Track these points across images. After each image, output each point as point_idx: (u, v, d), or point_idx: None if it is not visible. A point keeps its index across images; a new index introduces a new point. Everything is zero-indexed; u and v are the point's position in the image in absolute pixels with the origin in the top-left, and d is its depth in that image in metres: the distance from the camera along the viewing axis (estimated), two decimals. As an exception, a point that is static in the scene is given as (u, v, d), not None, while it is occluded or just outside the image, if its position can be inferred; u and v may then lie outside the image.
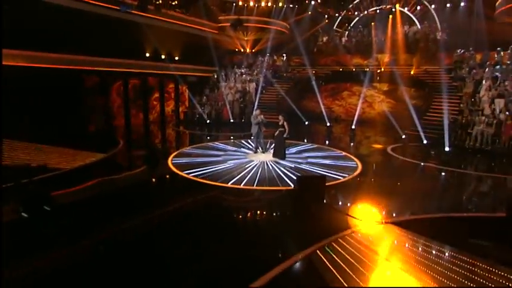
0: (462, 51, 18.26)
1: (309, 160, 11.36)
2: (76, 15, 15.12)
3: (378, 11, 24.99)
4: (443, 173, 10.80)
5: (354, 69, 21.96)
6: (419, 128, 15.55)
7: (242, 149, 13.14)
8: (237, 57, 24.76)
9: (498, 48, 16.90)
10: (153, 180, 9.68)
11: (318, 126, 19.57)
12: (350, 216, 6.90)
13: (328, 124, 17.52)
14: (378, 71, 21.20)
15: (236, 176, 9.20)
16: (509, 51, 16.53)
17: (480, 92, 15.24)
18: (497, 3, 18.43)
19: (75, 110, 16.30)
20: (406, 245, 5.80)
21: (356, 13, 25.97)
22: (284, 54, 23.36)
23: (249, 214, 7.35)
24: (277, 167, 10.48)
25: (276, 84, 22.07)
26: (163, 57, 20.74)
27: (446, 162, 11.71)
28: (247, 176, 9.32)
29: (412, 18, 23.62)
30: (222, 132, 17.73)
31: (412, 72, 19.99)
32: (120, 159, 12.22)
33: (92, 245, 5.56)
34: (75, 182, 8.29)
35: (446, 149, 11.97)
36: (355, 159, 11.64)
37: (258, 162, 11.05)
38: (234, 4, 23.25)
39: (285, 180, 9.07)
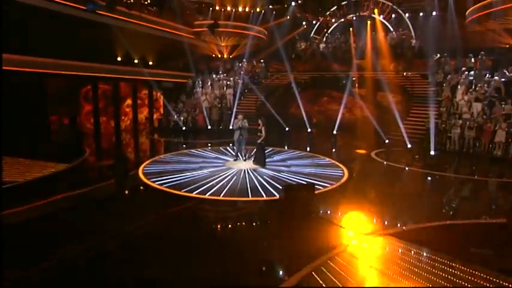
0: (437, 56, 18.40)
1: (293, 169, 10.66)
2: (40, 14, 13.83)
3: (354, 17, 25.05)
4: (433, 178, 10.42)
5: (333, 75, 21.71)
6: (403, 133, 15.32)
7: (221, 157, 12.27)
8: (215, 62, 23.97)
9: (470, 55, 17.10)
10: (121, 192, 8.59)
11: (299, 132, 19.03)
12: (344, 228, 6.18)
13: (309, 130, 16.98)
14: (355, 78, 21.02)
15: (212, 185, 8.33)
16: (479, 57, 16.74)
17: (456, 97, 15.24)
18: (467, 12, 18.84)
19: (36, 116, 14.81)
20: (410, 260, 5.13)
21: (333, 20, 25.94)
22: (262, 60, 22.80)
23: (226, 229, 6.46)
24: (257, 175, 9.68)
25: (255, 90, 21.41)
26: (136, 61, 19.59)
27: (434, 166, 11.39)
28: (224, 185, 8.47)
29: (387, 26, 23.85)
30: (199, 140, 16.76)
31: (391, 78, 19.95)
32: (84, 169, 10.99)
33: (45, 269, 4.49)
34: (28, 196, 7.10)
35: (432, 152, 11.70)
36: (340, 165, 11.07)
37: (237, 170, 10.22)
38: (211, 8, 22.53)
39: (267, 189, 8.28)
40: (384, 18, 24.41)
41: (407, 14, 23.70)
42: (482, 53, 16.74)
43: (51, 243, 5.41)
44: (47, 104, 15.81)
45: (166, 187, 8.32)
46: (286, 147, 14.45)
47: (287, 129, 17.38)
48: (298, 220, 6.46)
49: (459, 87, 15.52)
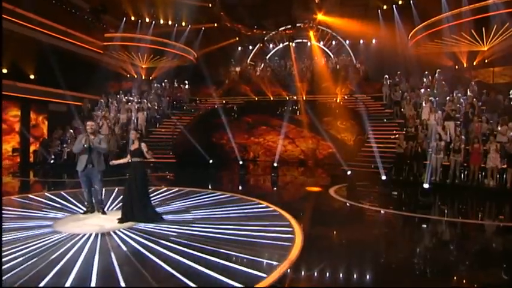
0: (387, 77, 15.34)
1: (201, 227, 5.29)
2: None
3: (294, 43, 22.06)
4: (434, 228, 5.83)
5: (272, 101, 17.56)
6: (363, 161, 11.02)
7: (70, 206, 6.43)
8: (128, 83, 18.47)
9: (425, 73, 14.22)
10: None
11: (228, 166, 13.97)
12: None
13: (240, 162, 11.93)
14: (295, 107, 17.10)
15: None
16: (436, 76, 13.90)
17: (422, 116, 11.69)
18: (409, 35, 16.77)
19: None
20: None
21: (271, 46, 22.63)
22: (186, 82, 17.92)
23: None
24: (121, 247, 4.16)
25: (173, 117, 16.21)
26: (4, 71, 13.32)
27: (423, 208, 6.91)
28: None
29: (327, 52, 21.19)
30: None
31: (337, 101, 16.30)
32: None
33: None
34: None
35: (426, 185, 7.24)
36: (286, 214, 5.97)
37: (83, 235, 4.63)
38: (124, 19, 17.55)
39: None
40: (324, 45, 21.84)
41: (347, 41, 21.39)
42: (439, 70, 13.91)
43: None
44: None
45: None
46: (204, 187, 9.04)
47: (211, 161, 12.11)
48: None
49: (423, 105, 12.07)
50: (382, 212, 6.86)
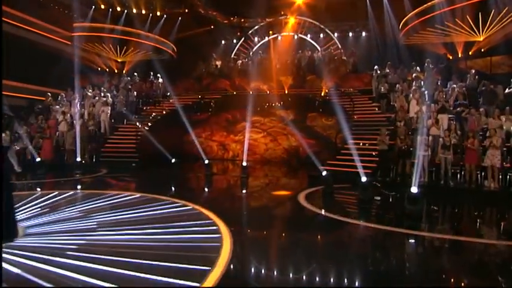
0: (376, 68, 13.91)
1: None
2: None
3: (279, 37, 20.71)
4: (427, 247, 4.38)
5: (252, 95, 16.07)
6: (345, 161, 9.57)
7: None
8: (98, 76, 16.92)
9: (413, 63, 12.80)
10: None
11: (194, 166, 12.56)
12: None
13: (206, 162, 10.37)
14: (278, 102, 15.66)
15: None
16: (425, 66, 12.50)
17: (410, 110, 10.27)
18: (400, 25, 15.41)
19: None
20: None
21: (256, 39, 21.18)
22: (159, 76, 16.40)
23: None
24: None
25: (143, 113, 14.73)
26: None
27: (409, 218, 5.43)
28: None
29: (315, 45, 19.84)
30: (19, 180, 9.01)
31: (322, 95, 14.84)
32: None
33: None
34: None
35: (414, 189, 5.63)
36: (221, 226, 4.50)
37: None
38: (93, 7, 16.03)
39: None
40: (311, 38, 20.46)
41: (336, 34, 20.01)
42: (429, 60, 12.50)
43: None
44: None
45: None
46: (133, 190, 7.54)
47: (173, 160, 10.56)
48: None
49: (411, 96, 10.64)
50: (349, 222, 5.36)
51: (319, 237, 4.87)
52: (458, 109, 9.42)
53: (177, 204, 5.77)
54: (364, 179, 6.51)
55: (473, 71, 11.06)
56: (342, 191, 7.70)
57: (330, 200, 6.97)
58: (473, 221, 6.35)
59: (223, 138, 16.22)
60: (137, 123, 13.24)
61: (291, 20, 19.01)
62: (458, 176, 8.13)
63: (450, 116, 9.98)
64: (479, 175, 7.89)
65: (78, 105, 13.67)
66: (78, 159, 10.45)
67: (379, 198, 6.63)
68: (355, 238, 4.85)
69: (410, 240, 4.75)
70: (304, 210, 6.03)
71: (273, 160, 15.26)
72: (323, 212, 5.96)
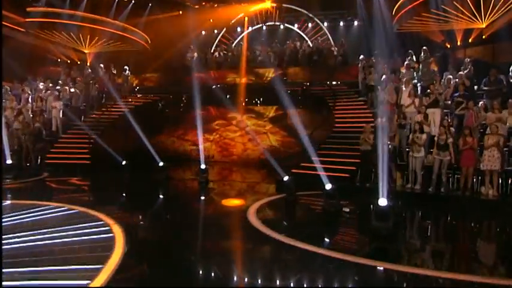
0: (362, 57, 12.88)
1: None
2: None
3: (264, 27, 19.69)
4: None
5: (229, 88, 15.04)
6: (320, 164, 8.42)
7: None
8: (55, 68, 15.80)
9: (410, 51, 11.72)
10: None
11: (148, 169, 11.39)
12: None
13: (160, 164, 9.19)
14: (258, 97, 14.63)
15: None
16: (422, 54, 11.43)
17: (401, 102, 9.21)
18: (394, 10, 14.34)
19: None
20: None
21: (239, 29, 20.13)
22: (127, 67, 15.28)
23: None
24: None
25: (105, 109, 13.62)
26: None
27: (380, 241, 4.29)
28: None
29: (302, 36, 18.79)
30: None
31: (304, 88, 13.77)
32: None
33: None
34: None
35: (382, 201, 4.41)
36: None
37: None
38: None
39: None
40: (298, 28, 19.40)
41: (325, 23, 18.96)
42: (425, 48, 11.45)
43: None
44: None
45: None
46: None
47: (124, 162, 9.44)
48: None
49: (403, 88, 9.58)
50: (286, 244, 4.14)
51: (236, 247, 3.77)
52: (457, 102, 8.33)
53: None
54: (328, 186, 5.40)
55: (468, 60, 10.00)
56: (310, 200, 6.59)
57: (286, 212, 5.86)
58: (465, 245, 5.19)
59: (197, 138, 15.14)
60: (100, 116, 12.17)
61: (271, 7, 18.01)
62: (451, 181, 7.04)
63: (446, 110, 8.96)
64: (475, 180, 6.81)
65: (30, 99, 12.60)
66: (9, 161, 9.32)
67: (347, 210, 5.52)
68: (281, 265, 3.70)
69: (364, 276, 3.56)
70: (244, 224, 4.89)
71: (251, 161, 14.20)
72: (263, 227, 4.78)
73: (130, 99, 14.57)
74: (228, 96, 14.87)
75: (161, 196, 7.67)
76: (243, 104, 14.79)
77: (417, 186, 7.08)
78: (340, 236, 5.07)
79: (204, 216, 5.83)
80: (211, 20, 18.22)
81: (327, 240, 4.75)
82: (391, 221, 4.22)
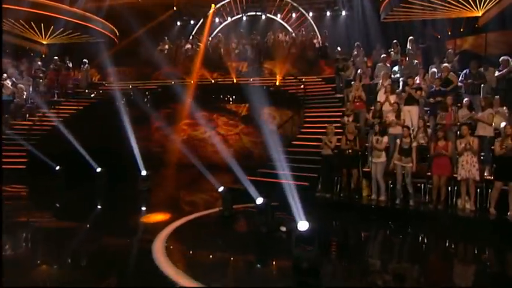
0: (339, 50, 12.10)
1: None
2: None
3: (244, 17, 18.99)
4: None
5: (197, 84, 14.25)
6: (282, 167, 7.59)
7: None
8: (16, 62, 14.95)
9: (395, 41, 10.91)
10: None
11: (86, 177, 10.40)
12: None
13: (98, 170, 8.34)
14: (229, 94, 13.83)
15: None
16: (408, 46, 10.63)
17: (377, 99, 8.40)
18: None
19: None
20: None
21: (218, 20, 19.36)
22: (86, 61, 14.45)
23: None
24: None
25: (57, 105, 12.83)
26: None
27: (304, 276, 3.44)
28: None
29: (285, 27, 18.05)
30: None
31: (277, 84, 12.96)
32: None
33: None
34: None
35: (301, 225, 3.52)
36: None
37: None
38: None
39: None
40: (282, 19, 18.66)
41: (310, 13, 18.18)
42: (412, 38, 10.65)
43: None
44: None
45: None
46: None
47: (57, 167, 8.57)
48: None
49: (379, 85, 8.78)
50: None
51: None
52: (431, 100, 7.53)
53: None
54: (259, 200, 4.57)
55: (451, 50, 9.19)
56: (248, 215, 5.74)
57: (211, 233, 4.96)
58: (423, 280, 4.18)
59: (163, 139, 14.33)
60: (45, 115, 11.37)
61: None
62: (422, 192, 6.21)
63: (426, 108, 8.17)
64: (450, 191, 5.98)
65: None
66: None
67: (284, 229, 4.68)
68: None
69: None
70: (142, 256, 3.94)
71: (221, 165, 13.37)
72: (162, 257, 3.83)
73: (86, 97, 13.78)
74: (197, 94, 14.09)
75: (74, 208, 6.59)
76: (214, 101, 13.99)
77: (382, 198, 6.26)
78: (250, 269, 4.05)
79: (97, 239, 4.79)
80: (174, 8, 17.40)
81: (230, 276, 3.77)
82: (314, 250, 3.39)
